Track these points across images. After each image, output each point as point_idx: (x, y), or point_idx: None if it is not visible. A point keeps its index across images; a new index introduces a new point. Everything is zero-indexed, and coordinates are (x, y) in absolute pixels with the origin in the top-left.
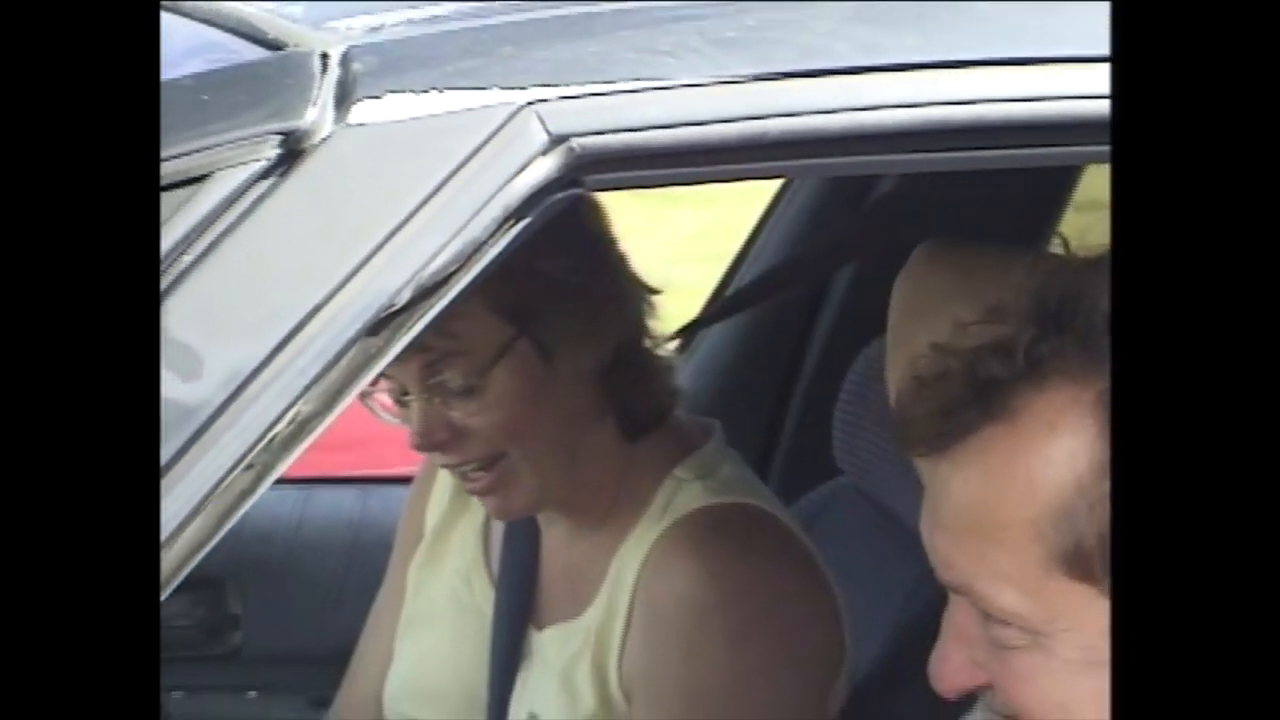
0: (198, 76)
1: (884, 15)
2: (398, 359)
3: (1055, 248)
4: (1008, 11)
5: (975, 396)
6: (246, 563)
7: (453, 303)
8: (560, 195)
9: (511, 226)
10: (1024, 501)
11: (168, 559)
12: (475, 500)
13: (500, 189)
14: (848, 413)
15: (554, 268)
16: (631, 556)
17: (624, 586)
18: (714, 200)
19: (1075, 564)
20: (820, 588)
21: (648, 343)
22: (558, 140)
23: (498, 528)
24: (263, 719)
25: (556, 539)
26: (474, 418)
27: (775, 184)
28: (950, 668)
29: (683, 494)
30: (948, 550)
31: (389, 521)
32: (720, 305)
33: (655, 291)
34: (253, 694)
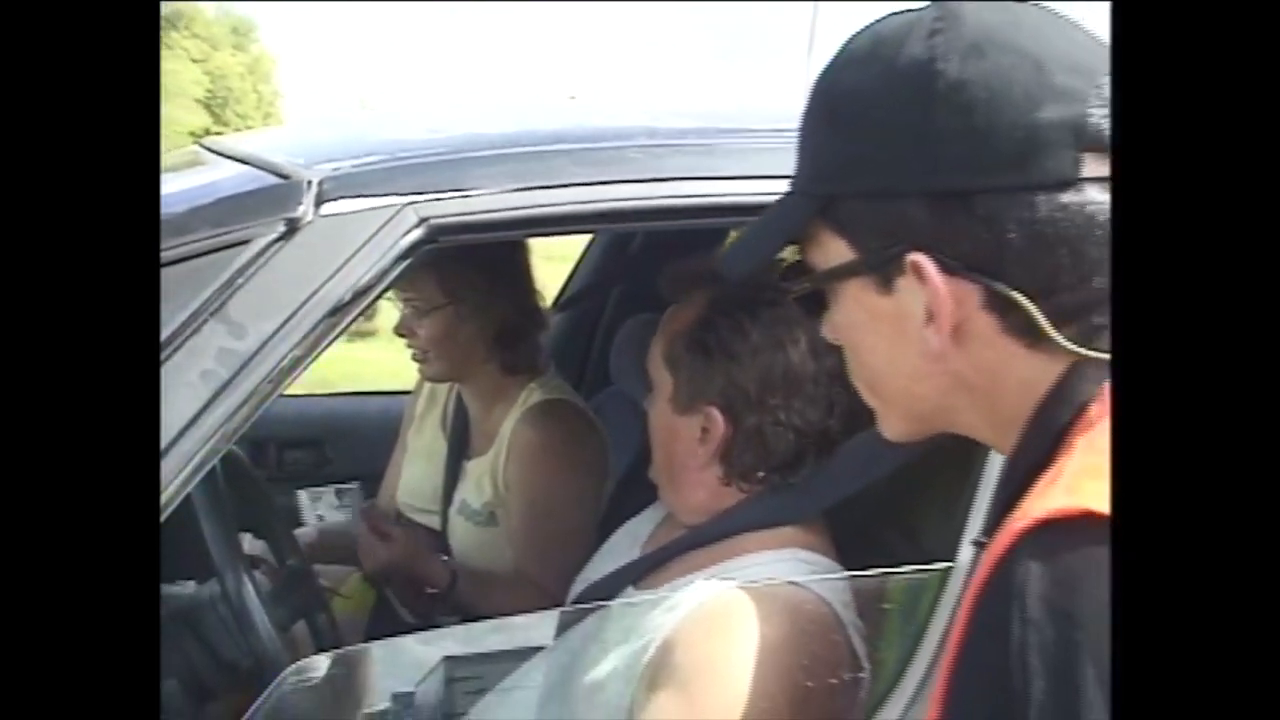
0: (247, 192)
1: (595, 159)
2: (414, 313)
3: None
4: (665, 155)
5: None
6: (333, 431)
7: (373, 301)
8: (425, 249)
9: (399, 264)
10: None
11: (228, 427)
12: (439, 402)
13: (393, 245)
14: (617, 355)
15: (462, 281)
16: (510, 424)
17: (504, 438)
18: (566, 259)
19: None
20: (599, 439)
21: (528, 320)
22: (423, 221)
23: (450, 411)
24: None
25: (476, 414)
26: (427, 333)
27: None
28: None
29: (533, 394)
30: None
31: (400, 411)
32: (558, 304)
33: (540, 296)
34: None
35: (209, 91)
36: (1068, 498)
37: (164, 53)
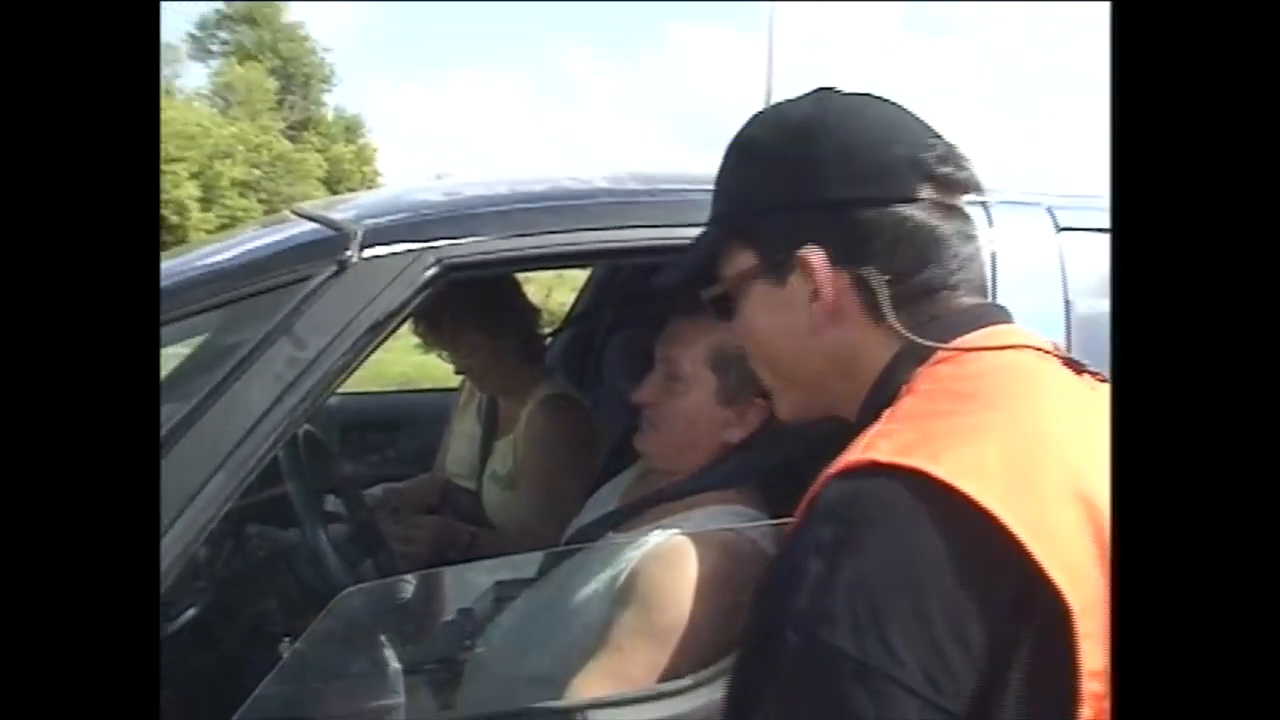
0: (311, 241)
1: (568, 213)
2: (465, 357)
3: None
4: (621, 210)
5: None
6: (403, 419)
7: (401, 322)
8: (441, 280)
9: (421, 293)
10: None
11: (294, 416)
12: (476, 396)
13: (416, 279)
14: (607, 360)
15: (488, 320)
16: (526, 412)
17: (522, 423)
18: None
19: (727, 400)
20: (590, 425)
21: (537, 329)
22: (438, 261)
23: (483, 403)
24: (403, 475)
25: (504, 405)
26: (477, 363)
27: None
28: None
29: (543, 390)
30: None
31: (445, 404)
32: (566, 323)
33: (538, 311)
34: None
35: (327, 173)
36: (862, 453)
37: (295, 146)
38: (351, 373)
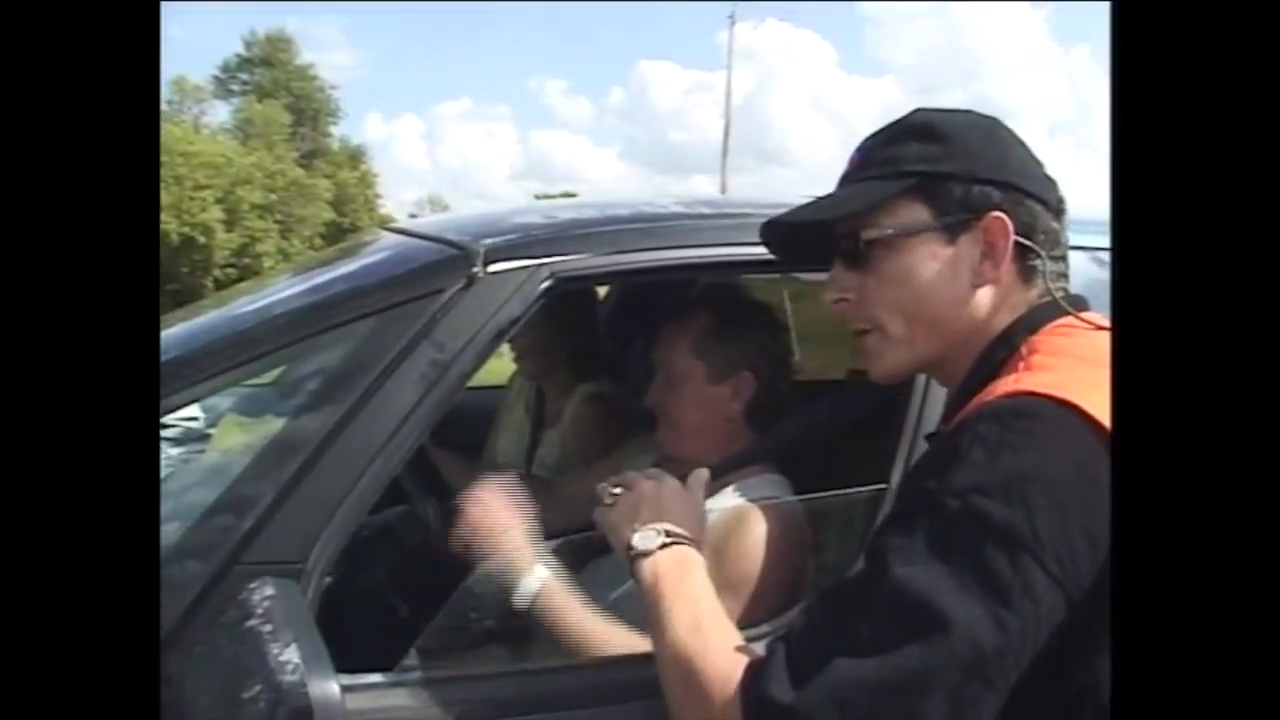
0: (442, 259)
1: (651, 233)
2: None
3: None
4: (694, 229)
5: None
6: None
7: (521, 327)
8: (554, 291)
9: (538, 303)
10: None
11: (436, 409)
12: (524, 393)
13: (534, 290)
14: (626, 365)
15: (576, 325)
16: (571, 408)
17: (568, 416)
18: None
19: (716, 380)
20: (623, 420)
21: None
22: (552, 274)
23: (531, 401)
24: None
25: (551, 403)
26: (549, 360)
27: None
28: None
29: (585, 389)
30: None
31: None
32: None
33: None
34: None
35: (335, 197)
36: (1015, 385)
37: (306, 173)
38: (477, 370)
